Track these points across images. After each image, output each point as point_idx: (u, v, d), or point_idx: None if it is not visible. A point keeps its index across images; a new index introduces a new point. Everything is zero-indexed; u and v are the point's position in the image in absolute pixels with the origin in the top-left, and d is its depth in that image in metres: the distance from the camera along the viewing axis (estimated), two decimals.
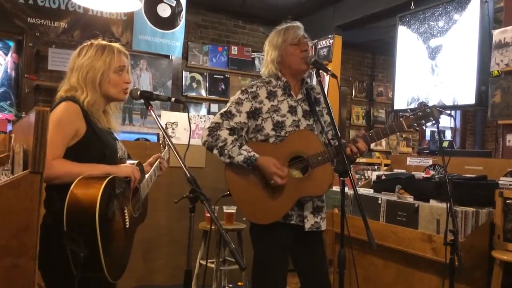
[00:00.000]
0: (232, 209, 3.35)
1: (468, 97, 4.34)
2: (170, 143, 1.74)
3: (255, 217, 2.20)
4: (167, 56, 6.13)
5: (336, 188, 3.19)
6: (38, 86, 5.34)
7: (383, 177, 3.23)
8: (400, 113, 7.43)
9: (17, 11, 4.95)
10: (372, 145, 2.27)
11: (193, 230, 1.61)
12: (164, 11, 5.70)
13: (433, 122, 2.12)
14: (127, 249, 1.79)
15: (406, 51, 5.12)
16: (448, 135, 7.98)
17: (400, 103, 5.21)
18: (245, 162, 2.12)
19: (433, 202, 2.64)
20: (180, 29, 5.79)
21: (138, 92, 1.87)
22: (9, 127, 4.70)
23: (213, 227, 1.62)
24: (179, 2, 5.77)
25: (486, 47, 4.10)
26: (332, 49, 5.79)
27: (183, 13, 5.81)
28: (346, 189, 2.21)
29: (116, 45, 1.91)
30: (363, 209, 1.93)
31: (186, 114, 1.98)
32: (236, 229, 3.34)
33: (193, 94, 6.44)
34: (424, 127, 2.17)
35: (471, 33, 4.34)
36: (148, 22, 5.59)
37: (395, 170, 3.54)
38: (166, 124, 3.93)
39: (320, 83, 2.19)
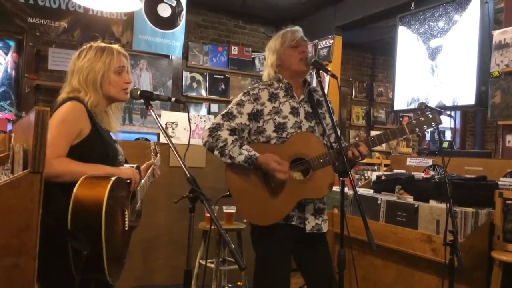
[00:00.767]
0: (232, 209, 3.36)
1: (468, 98, 4.34)
2: (170, 143, 1.75)
3: (255, 219, 2.19)
4: (167, 56, 6.13)
5: (336, 188, 3.19)
6: (38, 86, 5.35)
7: (383, 178, 3.23)
8: (400, 114, 7.47)
9: (18, 10, 4.95)
10: None
11: (193, 230, 1.61)
12: (164, 11, 5.70)
13: (435, 127, 2.13)
14: (124, 252, 1.80)
15: (406, 52, 5.13)
16: (448, 135, 7.99)
17: (400, 104, 5.21)
18: (246, 161, 2.12)
19: (432, 203, 2.64)
20: (180, 29, 5.79)
21: (138, 92, 1.88)
22: (9, 127, 4.70)
23: (212, 227, 1.62)
24: (179, 2, 5.77)
25: (486, 47, 4.10)
26: (332, 50, 5.80)
27: (184, 13, 5.80)
28: (346, 189, 2.21)
29: (115, 46, 1.92)
30: (363, 210, 1.93)
31: (186, 114, 1.98)
32: (236, 229, 3.34)
33: (193, 94, 6.44)
34: (426, 132, 2.17)
35: (471, 33, 4.34)
36: (148, 22, 5.59)
37: (395, 171, 3.54)
38: (166, 124, 3.93)
39: (320, 83, 2.18)
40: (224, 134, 2.18)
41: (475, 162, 3.12)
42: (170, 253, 3.83)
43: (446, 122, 7.80)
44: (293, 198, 2.16)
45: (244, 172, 2.17)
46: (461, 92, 4.44)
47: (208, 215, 2.60)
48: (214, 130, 2.21)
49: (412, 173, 3.14)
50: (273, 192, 2.15)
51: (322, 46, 5.96)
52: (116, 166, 1.84)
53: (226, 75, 6.65)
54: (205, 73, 6.55)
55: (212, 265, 3.30)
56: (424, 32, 4.88)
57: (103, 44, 1.90)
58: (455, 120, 7.69)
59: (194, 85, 6.47)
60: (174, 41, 5.76)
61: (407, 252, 2.62)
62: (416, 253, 2.57)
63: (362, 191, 3.21)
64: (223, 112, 2.26)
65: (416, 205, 2.67)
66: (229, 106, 2.28)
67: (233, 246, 1.50)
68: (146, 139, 4.99)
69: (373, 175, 3.43)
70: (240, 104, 2.24)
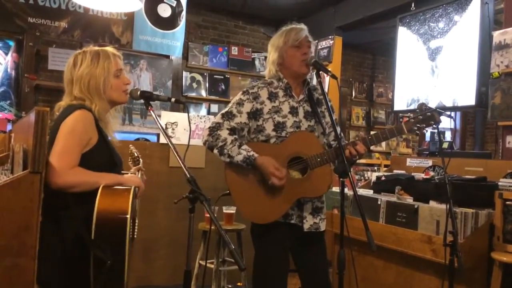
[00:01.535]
0: (231, 210, 3.35)
1: (468, 98, 4.34)
2: (170, 143, 1.75)
3: (253, 217, 2.21)
4: (167, 56, 6.13)
5: (335, 189, 3.20)
6: (38, 86, 5.34)
7: (383, 178, 3.23)
8: (400, 114, 7.47)
9: (18, 10, 4.95)
10: (372, 146, 2.27)
11: (193, 231, 1.61)
12: (164, 11, 5.70)
13: (434, 126, 2.13)
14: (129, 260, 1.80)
15: (406, 52, 5.13)
16: (448, 136, 7.98)
17: (400, 104, 5.21)
18: (244, 161, 2.12)
19: (432, 203, 2.64)
20: (180, 29, 5.79)
21: (138, 92, 1.88)
22: (9, 127, 4.70)
23: (212, 227, 1.62)
24: (179, 2, 5.77)
25: (486, 48, 4.10)
26: (333, 50, 5.80)
27: (184, 13, 5.81)
28: (346, 190, 2.22)
29: (109, 49, 1.91)
30: (363, 210, 1.93)
31: (186, 114, 1.98)
32: (236, 230, 3.34)
33: (193, 94, 6.44)
34: (424, 131, 2.17)
35: (471, 34, 4.34)
36: (149, 22, 5.59)
37: (395, 171, 3.54)
38: (166, 124, 3.93)
39: (320, 84, 2.19)
40: (224, 133, 2.19)
41: (475, 163, 3.12)
42: (170, 254, 3.83)
43: (446, 122, 7.81)
44: (291, 196, 2.16)
45: (243, 171, 2.18)
46: (461, 93, 4.43)
47: (208, 215, 2.60)
48: (214, 130, 2.21)
49: (412, 174, 3.14)
50: (272, 191, 2.16)
51: (322, 46, 5.96)
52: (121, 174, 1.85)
53: (226, 76, 6.65)
54: (205, 74, 6.55)
55: (212, 266, 3.30)
56: (424, 32, 4.88)
57: (96, 48, 1.89)
58: (455, 121, 7.69)
59: (194, 85, 6.47)
60: (174, 41, 5.76)
61: (407, 252, 2.62)
62: (416, 254, 2.56)
63: (362, 191, 3.21)
64: (223, 111, 2.27)
65: (416, 206, 2.67)
66: (229, 105, 2.28)
67: (233, 247, 1.51)
68: (146, 139, 5.00)
69: (373, 176, 3.42)
70: (240, 103, 2.25)
